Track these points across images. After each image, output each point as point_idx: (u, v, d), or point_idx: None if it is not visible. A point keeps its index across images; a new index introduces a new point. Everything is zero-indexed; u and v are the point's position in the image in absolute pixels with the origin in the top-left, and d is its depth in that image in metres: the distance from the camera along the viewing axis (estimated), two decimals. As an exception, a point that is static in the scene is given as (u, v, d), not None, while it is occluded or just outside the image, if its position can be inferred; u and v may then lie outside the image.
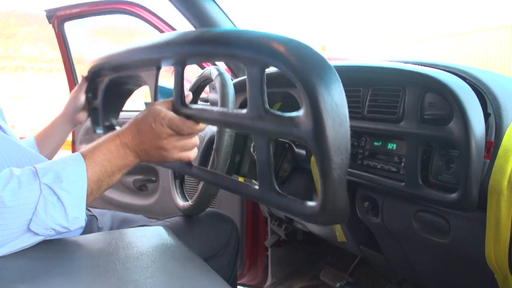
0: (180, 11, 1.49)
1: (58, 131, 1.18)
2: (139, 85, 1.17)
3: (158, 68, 0.85)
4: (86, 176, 0.67)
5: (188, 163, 0.81)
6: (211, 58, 0.79)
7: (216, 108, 0.69)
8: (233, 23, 1.51)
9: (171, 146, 0.72)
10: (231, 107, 0.91)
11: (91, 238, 0.71)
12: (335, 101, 0.48)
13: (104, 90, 1.12)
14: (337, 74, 0.51)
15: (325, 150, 0.48)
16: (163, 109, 0.72)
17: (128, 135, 0.72)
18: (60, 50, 2.01)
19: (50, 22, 1.94)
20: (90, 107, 1.21)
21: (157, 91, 0.86)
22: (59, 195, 0.63)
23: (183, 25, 1.62)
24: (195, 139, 0.76)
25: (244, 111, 0.60)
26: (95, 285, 0.56)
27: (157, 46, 0.76)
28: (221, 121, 0.68)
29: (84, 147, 0.72)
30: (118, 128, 1.17)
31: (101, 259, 0.64)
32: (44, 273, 0.59)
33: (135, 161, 0.73)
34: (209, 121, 0.71)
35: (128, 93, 1.21)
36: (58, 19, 1.92)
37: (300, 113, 0.51)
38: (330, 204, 0.50)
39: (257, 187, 0.64)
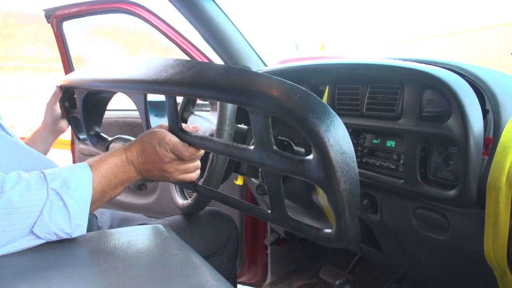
0: (179, 10, 1.49)
1: (41, 142, 1.18)
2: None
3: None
4: (92, 185, 0.69)
5: (192, 182, 0.83)
6: (208, 99, 0.80)
7: (220, 140, 0.71)
8: (232, 22, 1.51)
9: (173, 169, 0.76)
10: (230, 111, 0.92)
11: (91, 236, 0.71)
12: (344, 149, 0.51)
13: (83, 101, 1.11)
14: (340, 120, 0.53)
15: (339, 195, 0.52)
16: (168, 133, 0.75)
17: (134, 153, 0.75)
18: (58, 49, 2.00)
19: (48, 22, 1.94)
20: (69, 116, 1.21)
21: (147, 115, 0.86)
22: (65, 201, 0.64)
23: (182, 24, 1.62)
24: (197, 163, 0.79)
25: (252, 147, 0.62)
26: (95, 283, 0.56)
27: (148, 82, 0.74)
28: (227, 153, 0.70)
29: (90, 159, 0.74)
30: (103, 135, 1.18)
31: (101, 257, 0.64)
32: (44, 271, 0.59)
33: (138, 177, 0.77)
34: (213, 151, 0.73)
35: (108, 99, 1.21)
36: (56, 18, 1.91)
37: (310, 157, 0.54)
38: (344, 234, 0.56)
39: (269, 211, 0.67)
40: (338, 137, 0.51)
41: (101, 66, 0.99)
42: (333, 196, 0.53)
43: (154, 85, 0.72)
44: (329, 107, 0.53)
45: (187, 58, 1.74)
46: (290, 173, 0.59)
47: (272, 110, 0.56)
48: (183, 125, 0.77)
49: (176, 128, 0.76)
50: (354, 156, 0.52)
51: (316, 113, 0.51)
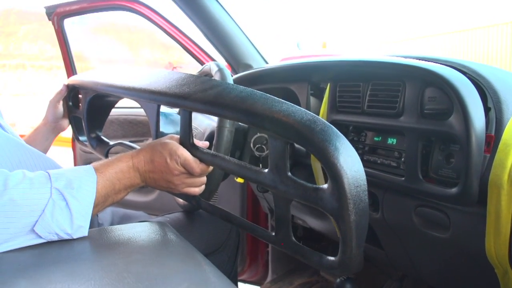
0: (181, 8, 1.48)
1: (42, 139, 1.18)
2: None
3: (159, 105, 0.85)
4: (96, 188, 0.69)
5: (195, 196, 0.84)
6: (228, 119, 0.81)
7: (233, 159, 0.71)
8: (233, 19, 1.51)
9: (180, 182, 0.76)
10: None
11: (91, 233, 0.71)
12: (359, 183, 0.54)
13: (88, 102, 1.11)
14: (357, 154, 0.55)
15: (348, 226, 0.54)
16: (180, 147, 0.76)
17: (142, 160, 0.75)
18: (60, 47, 2.00)
19: (49, 19, 1.94)
20: (70, 115, 1.21)
21: (158, 125, 0.87)
22: (68, 201, 0.64)
23: (183, 22, 1.62)
24: (203, 178, 0.80)
25: (265, 170, 0.63)
26: (95, 279, 0.56)
27: (169, 95, 0.74)
28: (239, 174, 0.70)
29: (96, 162, 0.75)
30: (104, 138, 1.18)
31: (101, 253, 0.64)
32: (44, 268, 0.59)
33: (141, 184, 0.77)
34: (226, 169, 0.73)
35: (113, 103, 1.21)
36: (57, 15, 1.91)
37: (324, 186, 0.56)
38: (348, 262, 0.57)
39: (273, 233, 0.68)
40: (354, 171, 0.53)
41: (113, 72, 0.98)
42: (342, 225, 0.54)
43: (175, 99, 0.72)
44: (348, 142, 0.55)
45: (189, 55, 1.74)
46: (302, 200, 0.60)
47: (293, 139, 0.58)
48: (195, 140, 0.78)
49: (187, 142, 0.77)
50: (366, 191, 0.55)
51: (336, 146, 0.53)
